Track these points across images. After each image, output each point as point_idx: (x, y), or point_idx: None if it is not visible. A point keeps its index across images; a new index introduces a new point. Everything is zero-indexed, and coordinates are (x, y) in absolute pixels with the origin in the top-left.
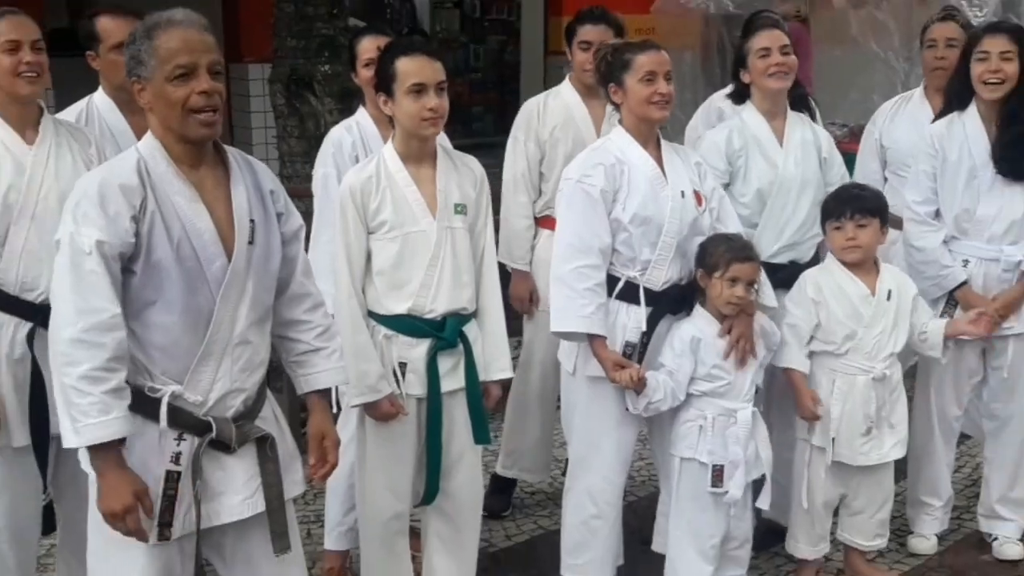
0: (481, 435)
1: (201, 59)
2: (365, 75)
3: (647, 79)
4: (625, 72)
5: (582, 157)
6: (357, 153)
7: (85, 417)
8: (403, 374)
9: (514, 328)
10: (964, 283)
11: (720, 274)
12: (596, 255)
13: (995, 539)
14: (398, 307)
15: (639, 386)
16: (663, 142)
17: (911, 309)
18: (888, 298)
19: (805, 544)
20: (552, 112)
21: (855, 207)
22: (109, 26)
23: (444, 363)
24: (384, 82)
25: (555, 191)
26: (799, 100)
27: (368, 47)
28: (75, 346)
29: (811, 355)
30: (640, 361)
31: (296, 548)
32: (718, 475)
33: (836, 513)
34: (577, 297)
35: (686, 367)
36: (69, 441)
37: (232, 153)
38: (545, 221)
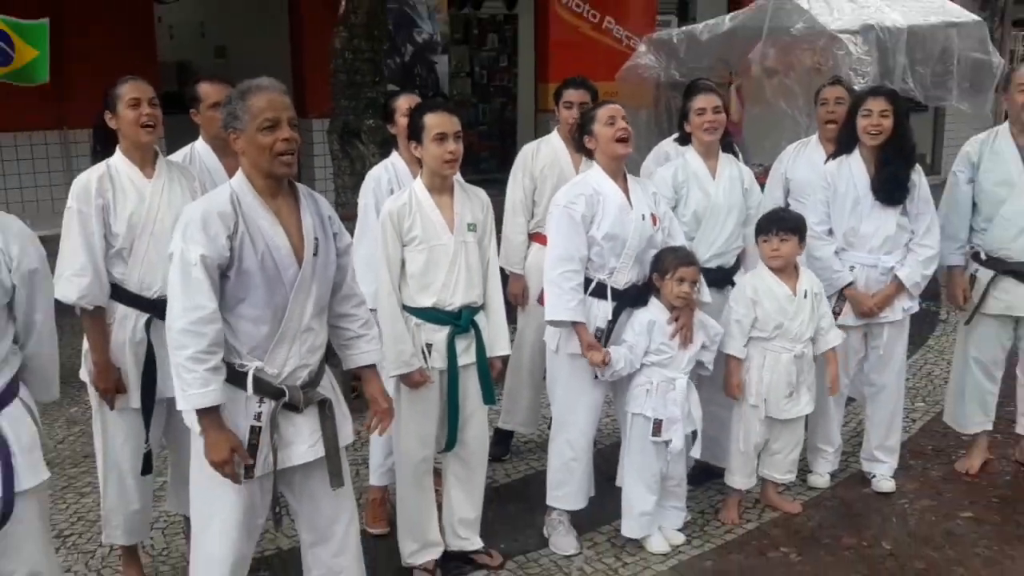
0: (488, 397)
1: (283, 115)
2: (402, 124)
3: (609, 123)
4: (592, 123)
5: (567, 187)
6: (392, 187)
7: (190, 388)
8: (429, 352)
9: (511, 317)
10: (851, 283)
11: (670, 276)
12: (577, 263)
13: (874, 477)
14: (426, 302)
15: (604, 365)
16: (629, 176)
17: (819, 303)
18: (805, 296)
19: (740, 477)
20: (542, 155)
21: (779, 226)
22: (208, 90)
23: (460, 344)
24: (415, 132)
25: (544, 214)
26: (727, 146)
27: (403, 103)
28: (183, 335)
29: (749, 340)
30: (607, 341)
31: (348, 484)
32: (657, 427)
33: (758, 456)
34: (564, 294)
35: (642, 343)
36: (180, 404)
37: (300, 188)
38: (536, 236)
